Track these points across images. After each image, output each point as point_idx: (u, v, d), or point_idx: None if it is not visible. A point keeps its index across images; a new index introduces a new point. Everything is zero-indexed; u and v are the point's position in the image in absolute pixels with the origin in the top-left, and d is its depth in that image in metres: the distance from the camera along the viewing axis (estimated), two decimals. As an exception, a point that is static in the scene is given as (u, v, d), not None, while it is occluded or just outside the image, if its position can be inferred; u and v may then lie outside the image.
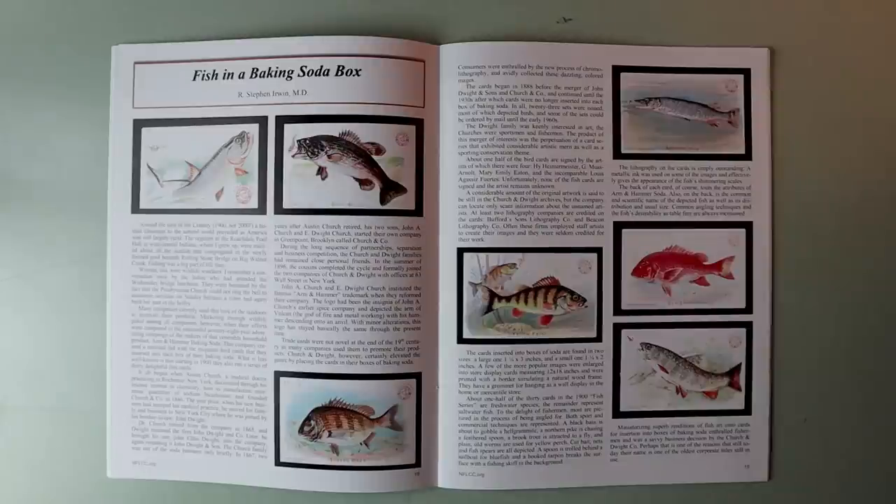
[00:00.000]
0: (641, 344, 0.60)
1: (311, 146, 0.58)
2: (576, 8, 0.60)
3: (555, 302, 0.59)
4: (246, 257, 0.58)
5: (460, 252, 0.59)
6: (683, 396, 0.60)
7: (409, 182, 0.58)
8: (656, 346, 0.60)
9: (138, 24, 0.60)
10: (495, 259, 0.59)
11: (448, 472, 0.59)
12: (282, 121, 0.58)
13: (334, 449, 0.58)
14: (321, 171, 0.58)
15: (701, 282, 0.60)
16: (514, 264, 0.59)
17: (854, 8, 0.61)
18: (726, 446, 0.60)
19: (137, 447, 0.60)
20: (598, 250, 0.59)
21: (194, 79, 0.59)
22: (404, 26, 0.60)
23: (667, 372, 0.60)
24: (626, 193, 0.60)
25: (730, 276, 0.60)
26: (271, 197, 0.58)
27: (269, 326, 0.58)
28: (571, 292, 0.59)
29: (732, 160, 0.60)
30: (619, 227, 0.60)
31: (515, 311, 0.59)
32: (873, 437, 0.61)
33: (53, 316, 0.60)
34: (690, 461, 0.60)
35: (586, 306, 0.59)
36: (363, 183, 0.58)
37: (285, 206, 0.58)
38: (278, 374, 0.58)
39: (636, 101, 0.60)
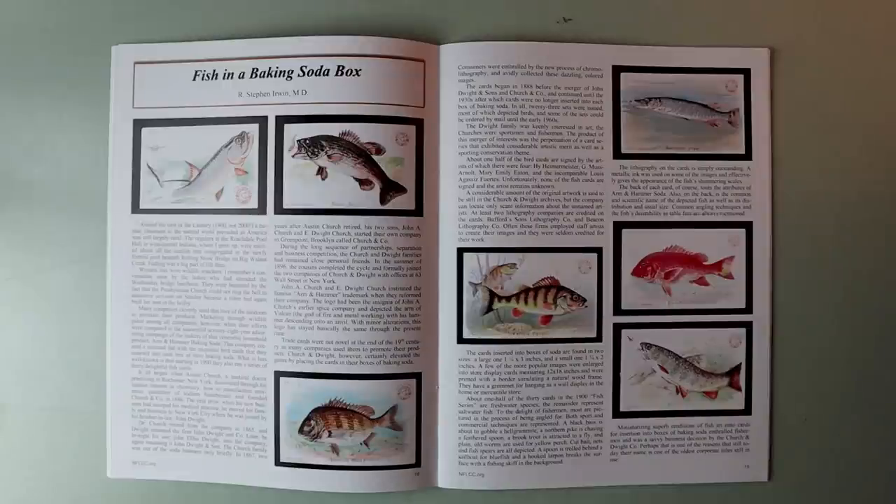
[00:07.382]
0: (641, 344, 0.60)
1: (311, 146, 0.58)
2: (576, 8, 0.60)
3: (555, 302, 0.59)
4: (246, 257, 0.58)
5: (460, 252, 0.59)
6: (683, 396, 0.60)
7: (409, 182, 0.58)
8: (656, 346, 0.60)
9: (138, 24, 0.60)
10: (495, 259, 0.59)
11: (448, 472, 0.59)
12: (282, 121, 0.58)
13: (334, 449, 0.58)
14: (321, 171, 0.58)
15: (701, 282, 0.60)
16: (514, 264, 0.59)
17: (854, 8, 0.61)
18: (726, 446, 0.60)
19: (137, 447, 0.60)
20: (598, 250, 0.59)
21: (194, 79, 0.59)
22: (404, 26, 0.60)
23: (667, 372, 0.60)
24: (626, 193, 0.60)
25: (730, 276, 0.60)
26: (271, 197, 0.58)
27: (269, 326, 0.58)
28: (571, 292, 0.59)
29: (732, 160, 0.60)
30: (619, 227, 0.60)
31: (515, 311, 0.59)
32: (873, 437, 0.61)
33: (53, 316, 0.60)
34: (690, 461, 0.60)
35: (586, 306, 0.59)
36: (363, 183, 0.58)
37: (285, 206, 0.58)
38: (278, 374, 0.58)
39: (636, 101, 0.60)
